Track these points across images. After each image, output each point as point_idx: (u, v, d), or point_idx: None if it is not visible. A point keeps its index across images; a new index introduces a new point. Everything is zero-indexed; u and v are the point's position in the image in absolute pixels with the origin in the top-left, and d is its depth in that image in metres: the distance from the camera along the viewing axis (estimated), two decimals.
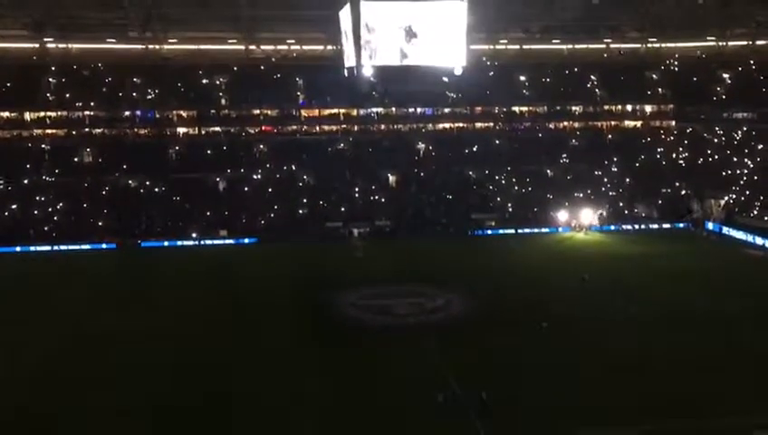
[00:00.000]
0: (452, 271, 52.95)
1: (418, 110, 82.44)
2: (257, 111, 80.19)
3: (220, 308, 44.73)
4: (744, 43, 79.50)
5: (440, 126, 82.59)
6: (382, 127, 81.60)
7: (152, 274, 54.00)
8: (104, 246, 62.87)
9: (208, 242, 64.57)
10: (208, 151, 76.42)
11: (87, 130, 76.58)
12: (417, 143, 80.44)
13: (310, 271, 54.01)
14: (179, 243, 64.18)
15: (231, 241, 65.10)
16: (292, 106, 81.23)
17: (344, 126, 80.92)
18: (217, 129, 79.26)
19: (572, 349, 36.69)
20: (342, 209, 69.96)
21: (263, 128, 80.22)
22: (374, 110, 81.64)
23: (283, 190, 72.44)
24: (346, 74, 35.56)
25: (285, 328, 40.73)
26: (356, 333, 40.38)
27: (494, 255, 59.52)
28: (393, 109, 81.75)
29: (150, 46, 76.12)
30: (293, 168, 75.40)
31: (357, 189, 72.76)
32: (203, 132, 79.24)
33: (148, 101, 78.24)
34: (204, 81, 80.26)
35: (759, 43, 77.26)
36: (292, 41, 77.69)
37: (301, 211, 70.21)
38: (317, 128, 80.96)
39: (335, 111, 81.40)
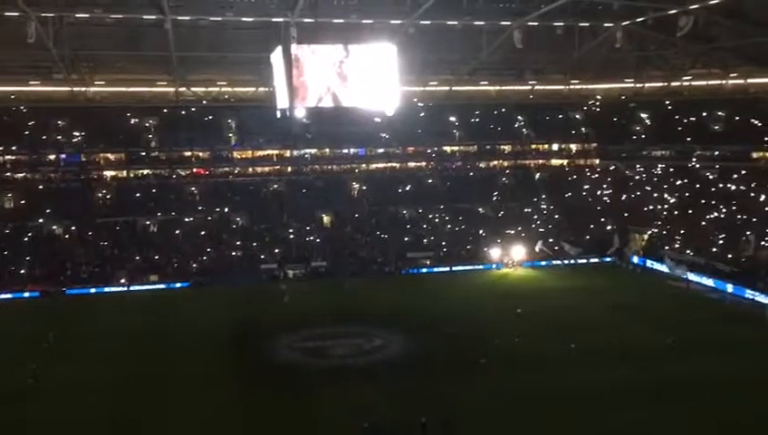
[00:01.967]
0: (389, 310, 52.86)
1: (352, 150, 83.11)
2: (188, 153, 79.14)
3: (151, 357, 43.15)
4: (660, 84, 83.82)
5: (373, 166, 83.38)
6: (316, 167, 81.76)
7: (79, 322, 51.82)
8: (27, 294, 60.07)
9: (138, 288, 62.58)
10: (137, 194, 74.73)
11: (8, 174, 73.82)
12: (351, 183, 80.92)
13: (244, 315, 52.99)
14: (107, 289, 62.02)
15: (162, 286, 63.25)
16: (224, 148, 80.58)
17: (277, 167, 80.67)
18: (147, 171, 77.68)
19: (510, 384, 37.10)
20: (277, 251, 69.27)
21: (194, 170, 79.06)
22: (307, 151, 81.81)
23: (216, 233, 71.30)
24: (279, 115, 35.74)
25: (220, 375, 39.61)
26: (292, 377, 39.64)
27: (430, 292, 59.84)
28: (326, 150, 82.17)
29: (76, 88, 74.40)
30: (226, 210, 74.43)
31: (291, 231, 72.29)
32: (131, 175, 77.46)
33: (73, 144, 76.20)
34: (132, 122, 78.86)
35: (673, 84, 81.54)
36: (224, 82, 77.36)
37: (234, 254, 69.11)
38: (250, 169, 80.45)
39: (268, 152, 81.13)
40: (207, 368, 40.81)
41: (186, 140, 78.57)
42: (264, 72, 56.55)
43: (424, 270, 68.31)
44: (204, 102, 79.50)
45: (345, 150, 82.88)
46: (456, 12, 51.32)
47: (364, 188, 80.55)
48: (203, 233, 70.96)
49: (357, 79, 32.19)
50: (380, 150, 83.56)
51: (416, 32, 52.89)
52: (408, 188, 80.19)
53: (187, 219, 72.57)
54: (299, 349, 44.34)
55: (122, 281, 62.97)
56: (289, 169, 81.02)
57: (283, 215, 74.33)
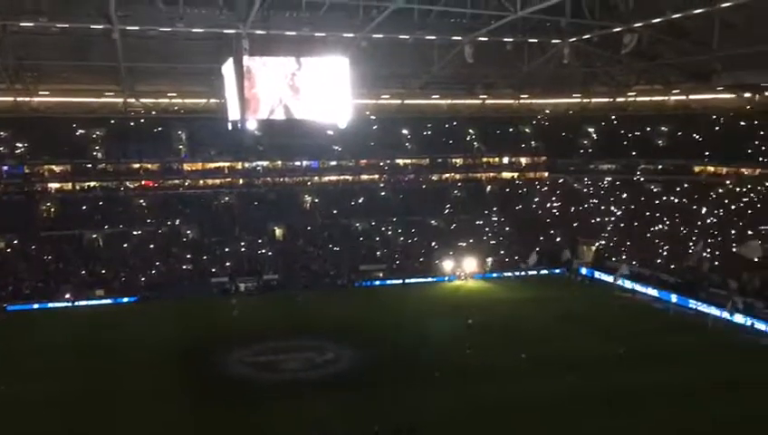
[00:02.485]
0: (342, 323, 52.68)
1: (304, 163, 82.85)
2: (137, 165, 77.72)
3: (98, 371, 42.11)
4: (606, 99, 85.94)
5: (326, 178, 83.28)
6: (268, 180, 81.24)
7: (21, 338, 50.11)
8: None
9: (84, 303, 60.88)
10: (83, 207, 72.97)
11: None
12: (304, 196, 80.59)
13: (195, 329, 52.12)
14: (51, 305, 60.18)
15: (109, 301, 61.73)
16: (174, 159, 79.39)
17: (229, 179, 79.86)
18: (93, 183, 75.94)
19: (462, 395, 37.34)
20: (228, 264, 68.38)
21: (143, 182, 77.68)
22: (259, 163, 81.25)
23: (166, 246, 70.05)
24: (230, 127, 35.42)
25: (170, 390, 38.88)
26: (244, 391, 39.13)
27: (382, 305, 59.87)
28: (279, 162, 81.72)
29: (20, 98, 72.30)
30: (176, 222, 73.25)
31: (243, 244, 71.51)
32: (77, 187, 75.58)
33: (16, 156, 73.99)
34: (78, 133, 77.08)
35: (618, 99, 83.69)
36: (174, 94, 76.16)
37: (184, 267, 67.97)
38: (201, 181, 79.43)
39: (219, 164, 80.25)
40: (157, 383, 39.99)
41: (134, 152, 77.15)
42: (215, 84, 55.85)
43: (377, 283, 68.32)
44: (153, 113, 78.15)
45: (297, 163, 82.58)
46: (407, 26, 51.65)
47: (317, 200, 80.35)
48: (152, 246, 69.63)
49: (309, 91, 32.17)
50: (333, 163, 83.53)
51: (368, 45, 52.98)
52: (360, 201, 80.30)
53: (135, 232, 71.10)
54: (250, 363, 43.82)
55: (67, 296, 61.17)
56: (240, 181, 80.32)
57: (235, 228, 73.53)
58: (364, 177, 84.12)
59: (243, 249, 70.93)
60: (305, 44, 49.20)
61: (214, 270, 67.34)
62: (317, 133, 69.31)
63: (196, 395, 38.38)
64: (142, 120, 78.53)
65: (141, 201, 75.92)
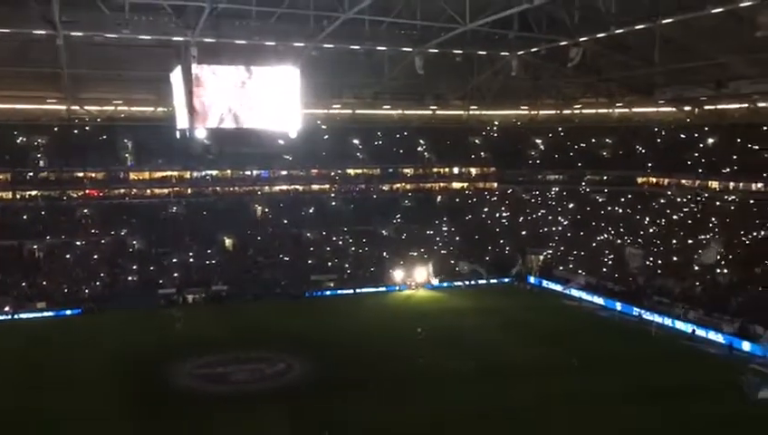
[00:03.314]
0: (292, 334, 52.23)
1: (254, 172, 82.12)
2: (81, 174, 75.79)
3: (38, 387, 40.70)
4: (553, 111, 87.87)
5: (277, 188, 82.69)
6: (217, 189, 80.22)
7: None
8: None
9: (24, 316, 58.88)
10: (24, 217, 70.76)
11: None
12: (254, 205, 79.83)
13: (141, 341, 50.86)
14: None
15: (50, 313, 59.84)
16: (119, 168, 77.71)
17: (177, 189, 78.54)
18: (35, 192, 73.67)
19: (416, 404, 37.42)
20: (176, 275, 67.14)
21: (87, 191, 75.71)
22: (208, 172, 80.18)
23: (111, 257, 68.40)
24: (178, 136, 34.88)
25: (115, 405, 37.84)
26: (192, 404, 38.40)
27: (334, 315, 59.61)
28: (228, 171, 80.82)
29: None
30: (122, 233, 71.62)
31: (191, 254, 70.34)
32: (18, 196, 73.16)
33: None
34: (19, 141, 74.83)
35: (565, 112, 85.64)
36: (120, 101, 74.72)
37: (130, 278, 66.47)
38: (147, 191, 77.92)
39: (167, 173, 78.92)
40: (101, 397, 38.87)
41: (78, 161, 75.22)
42: (162, 92, 55.12)
43: (328, 293, 67.99)
44: (98, 121, 76.48)
45: (248, 172, 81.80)
46: (358, 36, 51.94)
47: (267, 210, 79.68)
48: (96, 257, 67.92)
49: (259, 100, 31.96)
50: (284, 172, 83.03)
51: (319, 55, 53.09)
52: (311, 211, 79.97)
53: (78, 243, 69.28)
54: (199, 375, 43.04)
55: (6, 308, 59.09)
56: (189, 190, 79.08)
57: (183, 238, 72.27)
58: (315, 186, 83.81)
59: (191, 260, 69.77)
60: (256, 53, 48.98)
61: (161, 281, 66.02)
62: (267, 142, 68.77)
63: (143, 409, 37.46)
64: (87, 128, 76.80)
65: (85, 211, 74.00)
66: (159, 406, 38.19)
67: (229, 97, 31.41)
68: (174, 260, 69.22)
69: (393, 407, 37.15)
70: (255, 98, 31.88)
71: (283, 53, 49.51)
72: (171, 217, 76.28)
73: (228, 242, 74.64)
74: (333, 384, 41.04)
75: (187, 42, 42.66)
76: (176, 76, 32.36)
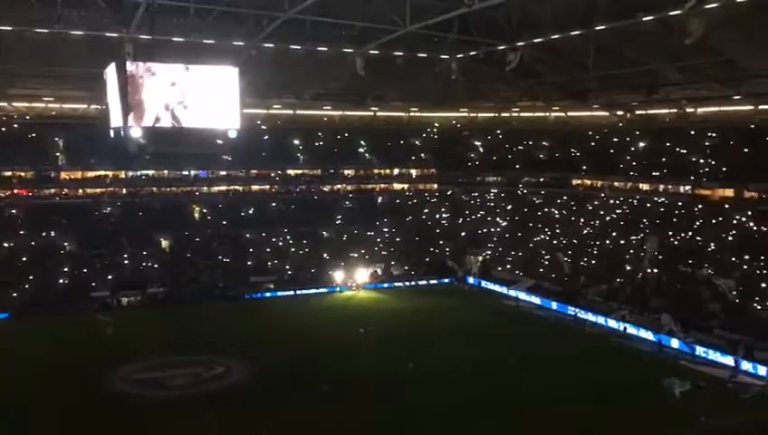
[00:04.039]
0: (231, 337, 51.47)
1: (192, 172, 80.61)
2: (8, 173, 72.92)
3: None
4: (491, 114, 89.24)
5: (215, 189, 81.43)
6: (154, 190, 78.43)
7: None
8: None
9: None
10: None
11: None
12: (192, 206, 78.37)
13: (74, 347, 49.30)
14: None
15: None
16: (50, 168, 75.11)
17: (111, 189, 76.50)
18: None
19: (354, 407, 37.41)
20: (110, 277, 65.31)
21: (15, 191, 72.92)
22: (144, 172, 78.30)
23: (41, 259, 65.98)
24: (112, 135, 33.98)
25: (48, 413, 36.53)
26: (129, 410, 37.41)
27: (273, 317, 59.08)
28: (165, 171, 79.09)
29: None
30: (52, 234, 69.23)
31: (126, 256, 68.55)
32: None
33: None
34: None
35: (503, 115, 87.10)
36: (51, 98, 72.15)
37: (62, 281, 64.31)
38: (80, 191, 75.61)
39: (101, 173, 76.74)
40: (32, 405, 37.48)
41: (5, 159, 72.27)
42: (96, 89, 53.46)
43: (268, 295, 67.35)
44: (27, 118, 73.69)
45: (185, 172, 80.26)
46: (299, 36, 51.55)
47: (205, 211, 78.36)
48: (24, 259, 65.46)
49: (198, 99, 31.47)
50: (223, 173, 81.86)
51: (259, 54, 52.43)
52: (251, 212, 79.09)
53: (5, 244, 66.61)
54: (135, 381, 42.02)
55: None
56: (124, 190, 77.15)
57: (118, 239, 70.35)
58: (255, 187, 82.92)
59: (126, 262, 68.00)
60: (194, 51, 47.96)
61: (94, 284, 64.10)
62: (206, 142, 67.42)
63: (78, 416, 36.25)
64: (15, 126, 73.93)
65: (13, 211, 71.28)
66: (93, 413, 37.02)
67: (166, 95, 30.83)
68: (107, 262, 67.32)
69: (334, 408, 37.06)
70: (194, 97, 31.39)
71: (222, 51, 48.71)
72: (105, 218, 74.24)
73: (165, 243, 73.07)
74: (273, 387, 40.65)
75: (121, 38, 41.58)
76: (110, 73, 31.57)
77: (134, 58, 31.50)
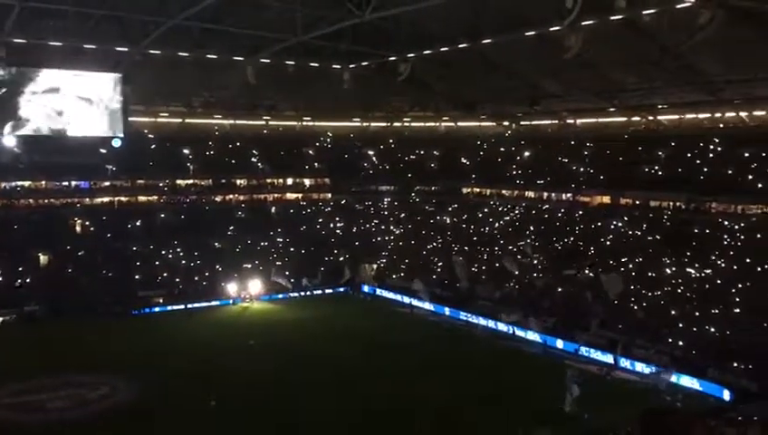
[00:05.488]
0: (116, 355, 49.17)
1: (73, 183, 76.45)
2: None
3: None
4: (384, 124, 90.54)
5: (98, 200, 77.62)
6: (30, 202, 73.73)
7: None
8: None
9: None
10: None
11: None
12: (73, 218, 74.37)
13: None
14: None
15: None
16: None
17: None
18: None
19: (244, 421, 36.70)
20: None
21: None
22: (19, 183, 73.43)
23: None
24: None
25: None
26: None
27: (162, 333, 57.02)
28: (43, 182, 74.57)
29: None
30: None
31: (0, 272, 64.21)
32: None
33: None
34: None
35: (395, 124, 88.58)
36: None
37: None
38: None
39: None
40: None
41: None
42: None
43: (157, 309, 64.95)
44: None
45: (65, 183, 75.96)
46: (186, 43, 50.32)
47: (88, 223, 74.56)
48: None
49: (78, 107, 30.08)
50: (106, 183, 78.01)
51: (144, 60, 50.69)
52: (138, 224, 76.03)
53: None
54: (8, 405, 39.30)
55: None
56: None
57: None
58: (142, 198, 79.80)
59: None
60: (75, 56, 45.84)
61: None
62: (88, 152, 64.44)
63: None
64: None
65: None
66: None
67: (44, 102, 29.26)
68: None
69: (229, 423, 36.23)
70: (74, 104, 29.97)
71: (105, 57, 46.84)
72: None
73: (43, 258, 68.87)
74: (162, 405, 39.20)
75: None
76: None
77: (8, 63, 29.72)
